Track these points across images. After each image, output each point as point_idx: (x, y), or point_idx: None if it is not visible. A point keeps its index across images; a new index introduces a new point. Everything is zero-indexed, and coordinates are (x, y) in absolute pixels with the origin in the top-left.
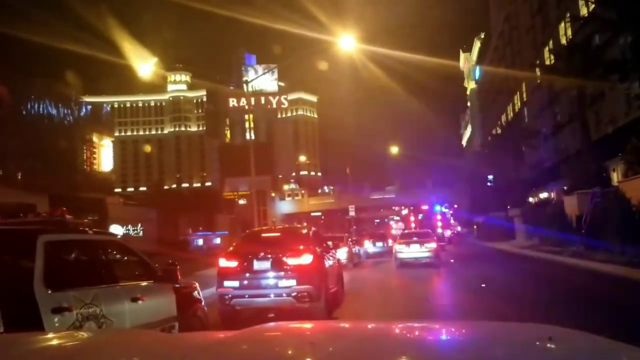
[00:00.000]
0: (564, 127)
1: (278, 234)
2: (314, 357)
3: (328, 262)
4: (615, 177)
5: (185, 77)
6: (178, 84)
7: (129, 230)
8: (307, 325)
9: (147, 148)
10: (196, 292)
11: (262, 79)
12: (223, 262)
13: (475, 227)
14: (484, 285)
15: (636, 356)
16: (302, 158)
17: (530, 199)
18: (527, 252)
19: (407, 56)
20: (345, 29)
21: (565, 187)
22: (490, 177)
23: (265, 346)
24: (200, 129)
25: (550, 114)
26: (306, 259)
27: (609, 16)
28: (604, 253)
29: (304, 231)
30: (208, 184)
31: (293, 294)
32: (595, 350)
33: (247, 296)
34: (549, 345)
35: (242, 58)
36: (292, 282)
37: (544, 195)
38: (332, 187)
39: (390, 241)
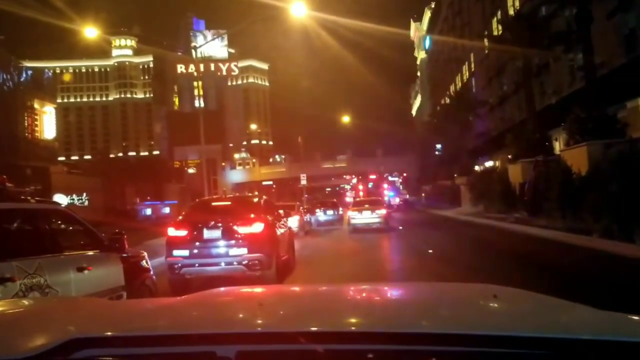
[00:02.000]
0: (510, 97)
1: (229, 203)
2: (263, 319)
3: (279, 231)
4: (558, 146)
5: (131, 42)
6: (123, 49)
7: (73, 199)
8: (258, 289)
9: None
10: (144, 261)
11: (211, 45)
12: (172, 231)
13: (423, 194)
14: (431, 251)
15: (575, 311)
16: (253, 126)
17: (477, 168)
18: (472, 218)
19: (359, 24)
20: None
21: (509, 156)
22: (439, 146)
23: (215, 309)
24: (147, 95)
25: (497, 84)
26: (257, 227)
27: None
28: (545, 219)
29: (255, 200)
30: (156, 152)
31: (244, 262)
32: (538, 307)
33: (197, 265)
34: (493, 302)
35: (190, 23)
36: (243, 251)
37: (489, 163)
38: (283, 156)
39: (340, 209)
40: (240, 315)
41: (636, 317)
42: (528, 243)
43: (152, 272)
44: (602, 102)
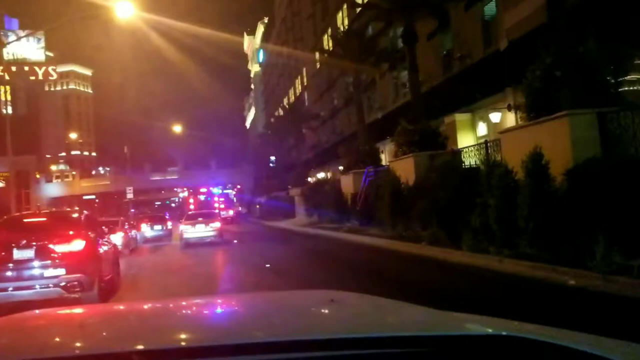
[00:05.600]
0: (340, 110)
1: (44, 219)
2: (84, 341)
3: (102, 248)
4: (384, 157)
5: None
6: None
7: None
8: (78, 310)
9: None
10: None
11: (26, 47)
12: None
13: (258, 206)
14: (268, 265)
15: (408, 311)
16: (74, 136)
17: (310, 179)
18: (307, 229)
19: (193, 35)
20: None
21: (341, 167)
22: (273, 158)
23: (25, 334)
24: None
25: (328, 98)
26: (76, 245)
27: (383, 5)
28: (377, 228)
29: (74, 215)
30: None
31: (62, 284)
32: (374, 308)
33: (10, 289)
34: (331, 306)
35: (1, 21)
36: (61, 271)
37: (322, 175)
38: (108, 168)
39: (169, 224)
40: (57, 339)
41: (460, 314)
42: (360, 252)
43: None
44: (425, 117)
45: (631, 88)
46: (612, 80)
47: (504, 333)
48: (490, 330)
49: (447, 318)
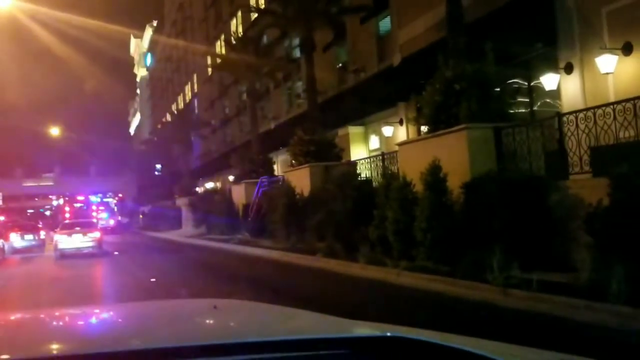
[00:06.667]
0: (232, 120)
1: None
2: None
3: None
4: (278, 168)
5: None
6: None
7: None
8: None
9: None
10: None
11: None
12: None
13: (141, 216)
14: (153, 279)
15: (291, 316)
16: None
17: (199, 189)
18: (194, 240)
19: (75, 26)
20: None
21: (232, 177)
22: (159, 166)
23: None
24: None
25: (220, 107)
26: None
27: (281, 11)
28: (270, 240)
29: None
30: None
31: None
32: (256, 313)
33: None
34: (213, 313)
35: None
36: None
37: (211, 185)
38: None
39: (42, 233)
40: None
41: (345, 320)
42: (252, 264)
43: None
44: (321, 128)
45: (521, 110)
46: (510, 100)
47: (388, 334)
48: (377, 332)
49: (331, 322)
